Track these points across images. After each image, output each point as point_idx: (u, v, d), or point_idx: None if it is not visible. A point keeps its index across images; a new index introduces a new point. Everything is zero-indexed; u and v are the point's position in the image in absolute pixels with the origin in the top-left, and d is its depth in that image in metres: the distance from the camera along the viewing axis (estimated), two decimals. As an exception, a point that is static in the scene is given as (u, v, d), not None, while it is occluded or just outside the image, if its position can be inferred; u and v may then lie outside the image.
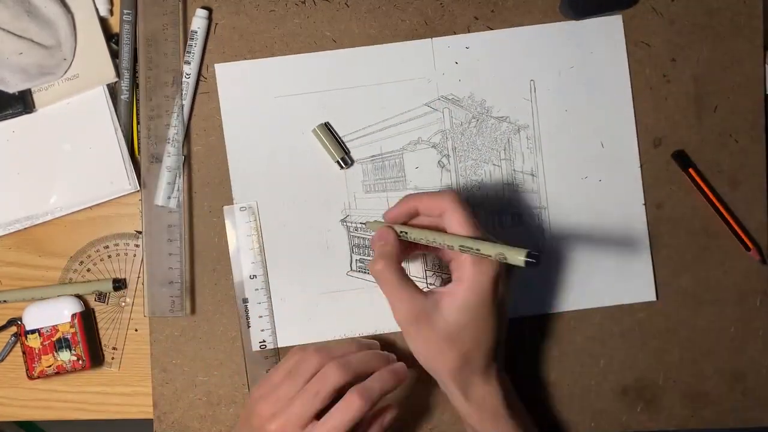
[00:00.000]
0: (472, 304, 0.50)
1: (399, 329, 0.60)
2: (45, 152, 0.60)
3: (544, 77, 0.61)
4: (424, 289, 0.53)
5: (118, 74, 0.60)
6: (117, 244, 0.61)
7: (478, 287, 0.50)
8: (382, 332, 0.61)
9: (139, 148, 0.60)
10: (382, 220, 0.56)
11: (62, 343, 0.60)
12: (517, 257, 0.45)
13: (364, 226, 0.60)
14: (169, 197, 0.59)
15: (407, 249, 0.55)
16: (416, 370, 0.56)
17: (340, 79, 0.60)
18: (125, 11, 0.59)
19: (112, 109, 0.60)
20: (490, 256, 0.47)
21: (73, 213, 0.61)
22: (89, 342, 0.60)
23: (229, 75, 0.60)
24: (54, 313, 0.60)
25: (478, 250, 0.48)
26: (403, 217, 0.54)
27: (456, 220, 0.50)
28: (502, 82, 0.61)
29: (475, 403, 0.53)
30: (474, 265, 0.50)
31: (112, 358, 0.61)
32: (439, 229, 0.52)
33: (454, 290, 0.51)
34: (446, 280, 0.59)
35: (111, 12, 0.61)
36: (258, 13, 0.60)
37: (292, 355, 0.55)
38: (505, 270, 0.50)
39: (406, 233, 0.53)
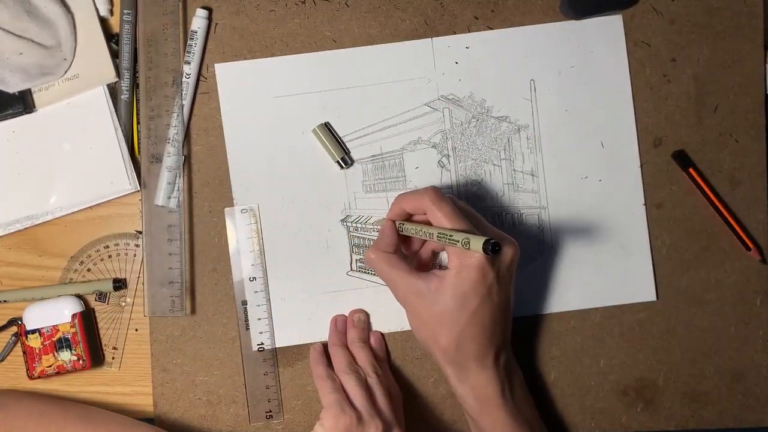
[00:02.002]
0: (459, 291, 0.51)
1: (399, 330, 0.60)
2: (45, 152, 0.60)
3: (544, 77, 0.61)
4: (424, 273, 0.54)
5: (118, 74, 0.60)
6: (117, 244, 0.61)
7: (464, 274, 0.51)
8: (382, 332, 0.61)
9: (139, 148, 0.60)
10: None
11: (63, 343, 0.60)
12: (477, 244, 0.47)
13: (364, 225, 0.60)
14: (169, 197, 0.59)
15: (411, 243, 0.58)
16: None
17: (340, 79, 0.60)
18: (125, 11, 0.59)
19: (112, 109, 0.60)
20: (458, 242, 0.49)
21: (73, 213, 0.61)
22: (89, 342, 0.60)
23: (229, 75, 0.60)
24: (54, 313, 0.60)
25: (450, 237, 0.50)
26: (396, 218, 0.56)
27: (436, 214, 0.52)
28: (502, 82, 0.61)
29: (469, 387, 0.54)
30: (459, 254, 0.51)
31: (113, 358, 0.61)
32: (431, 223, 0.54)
33: (444, 275, 0.52)
34: None
35: (111, 12, 0.61)
36: (258, 13, 0.60)
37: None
38: (492, 260, 0.51)
39: (402, 226, 0.55)
